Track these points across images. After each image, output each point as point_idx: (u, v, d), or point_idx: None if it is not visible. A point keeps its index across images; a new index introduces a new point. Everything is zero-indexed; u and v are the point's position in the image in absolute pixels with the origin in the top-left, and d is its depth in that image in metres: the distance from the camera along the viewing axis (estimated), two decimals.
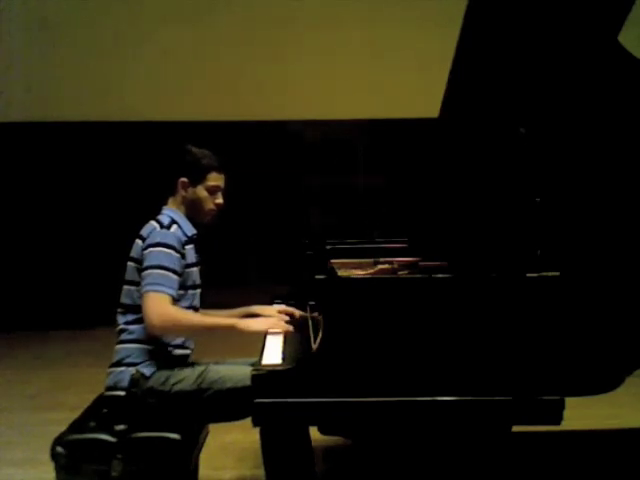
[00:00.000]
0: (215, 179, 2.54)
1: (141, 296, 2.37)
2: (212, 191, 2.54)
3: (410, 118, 5.91)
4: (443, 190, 2.67)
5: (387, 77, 6.32)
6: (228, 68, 6.37)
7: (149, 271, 2.37)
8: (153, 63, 6.34)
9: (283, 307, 2.74)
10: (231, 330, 2.45)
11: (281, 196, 6.62)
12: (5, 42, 6.25)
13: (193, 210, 2.55)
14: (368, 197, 6.60)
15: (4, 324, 6.03)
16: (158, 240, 2.40)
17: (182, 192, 2.54)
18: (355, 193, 6.66)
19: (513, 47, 2.28)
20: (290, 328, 2.49)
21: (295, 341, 2.41)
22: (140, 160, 6.08)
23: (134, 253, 2.46)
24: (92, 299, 5.94)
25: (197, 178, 2.53)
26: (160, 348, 2.44)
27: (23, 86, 6.29)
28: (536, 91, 2.32)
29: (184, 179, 2.53)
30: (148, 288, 2.36)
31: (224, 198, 2.58)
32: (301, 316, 2.67)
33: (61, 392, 4.34)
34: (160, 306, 2.35)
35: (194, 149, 2.57)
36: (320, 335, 2.04)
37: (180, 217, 2.53)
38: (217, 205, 2.57)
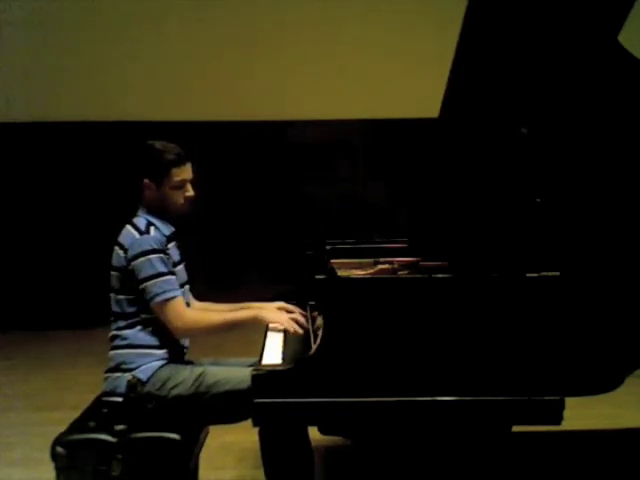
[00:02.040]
0: (178, 174, 2.45)
1: (152, 308, 2.37)
2: (178, 187, 2.46)
3: (410, 118, 5.90)
4: (443, 190, 2.67)
5: (387, 77, 6.31)
6: (228, 68, 6.36)
7: (151, 281, 2.35)
8: (153, 63, 6.33)
9: (283, 304, 2.71)
10: (252, 322, 2.44)
11: (281, 196, 6.61)
12: (5, 42, 6.24)
13: (163, 208, 2.48)
14: (368, 197, 6.59)
15: (4, 324, 6.02)
16: (144, 248, 2.37)
17: (149, 193, 2.48)
18: (355, 193, 6.66)
19: (513, 47, 2.28)
20: (299, 331, 2.43)
21: (295, 341, 2.41)
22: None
23: (115, 262, 2.43)
24: (92, 299, 5.93)
25: (159, 178, 2.44)
26: (155, 351, 2.42)
27: (23, 86, 6.28)
28: (536, 91, 2.32)
29: (147, 181, 2.46)
30: (159, 299, 2.35)
31: (194, 188, 2.49)
32: (300, 313, 2.64)
33: (61, 392, 4.34)
34: (179, 312, 2.36)
35: (154, 146, 2.47)
36: (320, 335, 2.04)
37: (154, 218, 2.47)
38: (187, 198, 2.49)
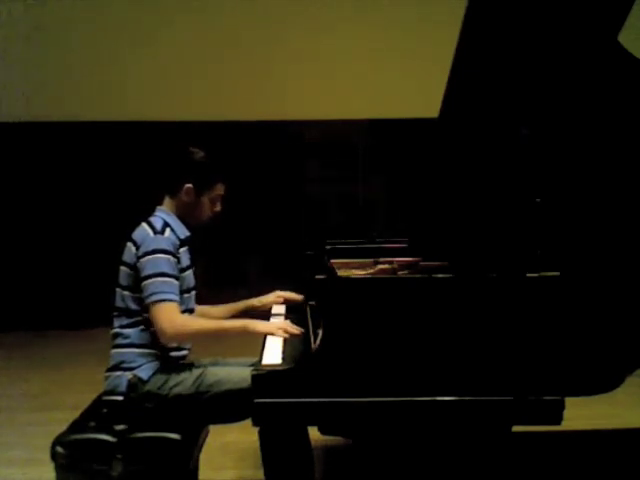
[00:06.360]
0: (219, 189, 2.54)
1: (147, 306, 2.36)
2: (214, 200, 2.54)
3: (410, 118, 5.90)
4: (443, 190, 2.67)
5: (387, 77, 6.32)
6: (229, 68, 6.37)
7: (151, 280, 2.34)
8: (154, 63, 6.33)
9: (280, 292, 2.72)
10: (242, 332, 2.43)
11: (281, 196, 6.62)
12: (5, 42, 6.24)
13: (189, 214, 2.52)
14: (368, 197, 6.60)
15: (4, 324, 6.03)
16: (154, 247, 2.37)
17: (184, 197, 2.50)
18: (355, 193, 6.66)
19: (513, 47, 2.28)
20: (296, 332, 2.38)
21: (295, 341, 2.41)
22: (140, 160, 6.08)
23: (126, 257, 2.44)
24: (92, 299, 5.94)
25: (204, 187, 2.50)
26: (156, 351, 2.42)
27: (23, 86, 6.28)
28: (537, 91, 2.32)
29: (190, 185, 2.48)
30: (154, 298, 2.34)
31: (222, 205, 2.58)
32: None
33: (61, 392, 4.34)
34: (170, 315, 2.34)
35: (201, 154, 2.52)
36: (320, 335, 2.04)
37: (173, 220, 2.49)
38: (215, 213, 2.56)
